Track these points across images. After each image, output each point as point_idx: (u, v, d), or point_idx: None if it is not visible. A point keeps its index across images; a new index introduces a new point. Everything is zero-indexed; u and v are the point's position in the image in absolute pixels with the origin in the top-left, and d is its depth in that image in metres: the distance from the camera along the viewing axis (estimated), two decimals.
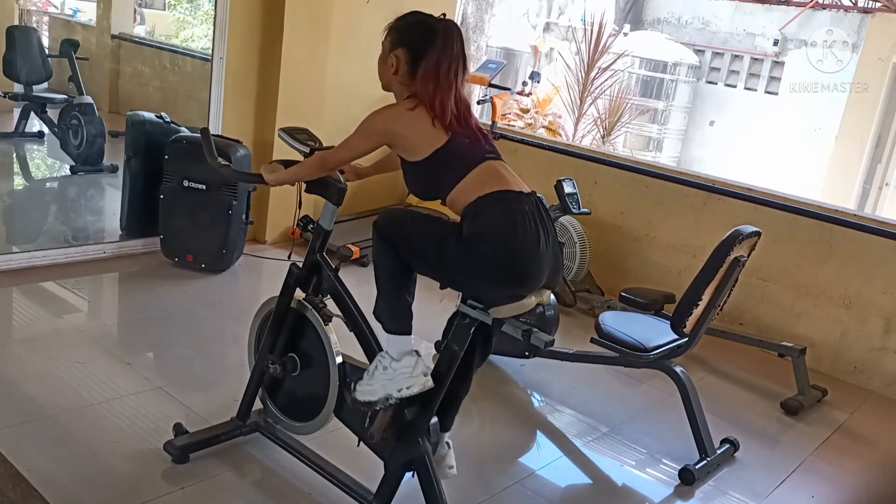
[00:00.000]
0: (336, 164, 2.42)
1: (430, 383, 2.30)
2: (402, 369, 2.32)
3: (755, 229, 3.18)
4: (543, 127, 7.67)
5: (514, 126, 6.31)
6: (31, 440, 2.75)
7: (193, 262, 4.46)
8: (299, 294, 2.69)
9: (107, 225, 5.21)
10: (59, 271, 4.20)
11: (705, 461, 3.20)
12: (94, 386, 3.16)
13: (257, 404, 2.87)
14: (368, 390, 2.38)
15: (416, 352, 2.35)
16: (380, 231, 2.33)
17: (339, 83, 5.28)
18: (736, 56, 9.99)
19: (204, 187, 4.38)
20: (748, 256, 3.21)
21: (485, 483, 2.97)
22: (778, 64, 9.57)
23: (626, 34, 9.23)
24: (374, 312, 2.43)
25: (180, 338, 3.74)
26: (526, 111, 6.83)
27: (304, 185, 2.59)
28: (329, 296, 2.62)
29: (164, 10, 10.66)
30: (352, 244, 5.00)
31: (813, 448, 3.59)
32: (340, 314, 2.58)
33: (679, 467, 3.18)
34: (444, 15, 2.38)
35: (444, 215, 2.46)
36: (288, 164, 2.58)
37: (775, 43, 9.40)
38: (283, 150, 4.89)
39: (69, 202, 5.98)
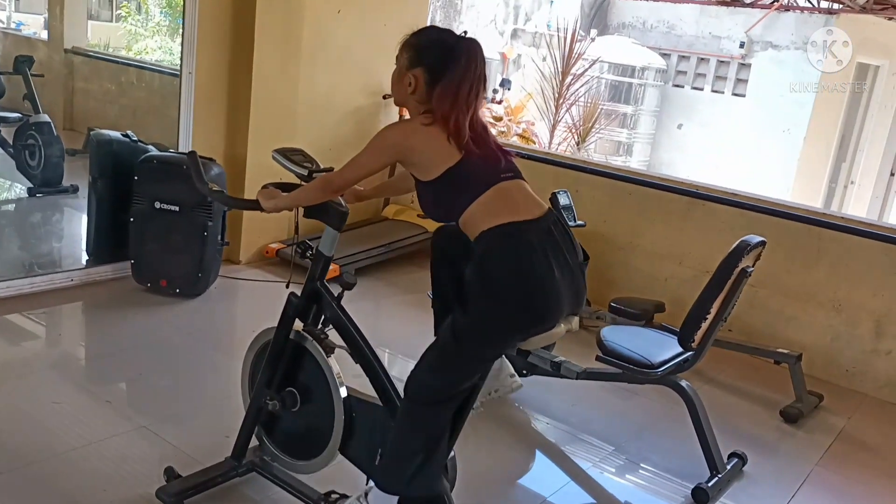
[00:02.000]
0: (341, 187, 2.27)
1: None
2: None
3: (761, 239, 3.11)
4: (517, 135, 7.58)
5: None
6: (8, 492, 2.55)
7: (167, 287, 4.25)
8: (298, 324, 2.53)
9: (71, 250, 4.97)
10: (25, 302, 3.97)
11: (716, 478, 3.11)
12: (73, 428, 2.95)
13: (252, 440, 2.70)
14: None
15: None
16: (413, 403, 2.21)
17: (311, 96, 5.12)
18: (702, 59, 10.02)
19: (177, 208, 4.18)
20: (754, 266, 3.14)
21: None
22: (744, 66, 9.63)
23: (593, 39, 9.22)
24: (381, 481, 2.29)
25: (160, 370, 3.54)
26: (499, 119, 6.73)
27: (301, 210, 2.43)
28: (331, 326, 2.47)
29: (112, 21, 10.32)
30: (333, 261, 4.83)
31: (817, 458, 3.53)
32: (344, 345, 2.43)
33: (689, 485, 3.10)
34: (466, 32, 2.25)
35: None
36: (284, 186, 2.43)
37: (741, 45, 9.47)
38: (258, 167, 4.77)
39: (29, 227, 5.70)
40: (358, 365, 2.45)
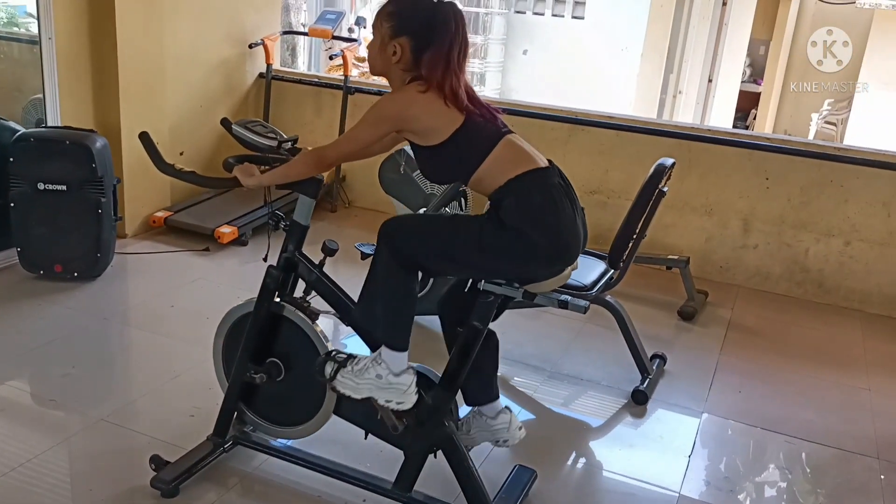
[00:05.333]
0: (334, 161, 2.25)
1: (415, 399, 2.31)
2: (398, 385, 2.29)
3: (673, 161, 3.40)
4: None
5: (353, 76, 6.16)
6: None
7: (63, 271, 4.01)
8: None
9: None
10: None
11: (648, 379, 3.45)
12: (29, 433, 2.81)
13: None
14: (352, 386, 2.32)
15: (412, 367, 2.33)
16: (393, 243, 2.22)
17: (177, 51, 4.89)
18: None
19: (64, 188, 3.92)
20: (666, 186, 3.43)
21: None
22: None
23: None
24: (361, 321, 2.37)
25: (91, 359, 3.38)
26: (362, 60, 6.68)
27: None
28: (313, 293, 2.49)
29: None
30: (228, 224, 4.73)
31: (719, 347, 3.97)
32: (331, 310, 2.47)
33: (626, 389, 3.42)
34: None
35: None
36: (249, 160, 2.38)
37: None
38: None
39: None
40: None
